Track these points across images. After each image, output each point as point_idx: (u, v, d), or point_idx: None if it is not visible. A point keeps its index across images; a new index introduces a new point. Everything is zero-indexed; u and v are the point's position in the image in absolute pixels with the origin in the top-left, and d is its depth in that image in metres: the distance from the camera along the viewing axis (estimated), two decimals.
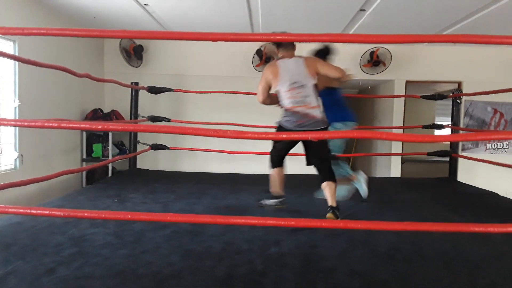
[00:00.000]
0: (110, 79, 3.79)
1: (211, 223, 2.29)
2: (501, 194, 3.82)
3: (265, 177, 4.16)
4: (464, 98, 5.41)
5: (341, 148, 3.37)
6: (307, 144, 2.84)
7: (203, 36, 1.76)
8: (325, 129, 2.76)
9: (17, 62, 3.79)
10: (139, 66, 5.73)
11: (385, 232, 2.35)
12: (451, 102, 4.84)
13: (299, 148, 2.89)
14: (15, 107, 3.85)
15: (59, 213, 1.77)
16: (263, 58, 5.58)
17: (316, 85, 2.76)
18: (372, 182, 3.39)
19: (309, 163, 2.91)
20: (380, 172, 6.54)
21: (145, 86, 4.47)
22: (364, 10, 4.29)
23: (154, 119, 4.50)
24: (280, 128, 2.81)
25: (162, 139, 5.05)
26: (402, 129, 5.75)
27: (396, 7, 4.15)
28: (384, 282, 1.78)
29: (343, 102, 3.36)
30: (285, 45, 2.81)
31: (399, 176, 5.96)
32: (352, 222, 1.86)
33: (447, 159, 4.90)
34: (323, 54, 3.20)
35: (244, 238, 2.24)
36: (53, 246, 2.07)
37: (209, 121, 4.62)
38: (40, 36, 3.86)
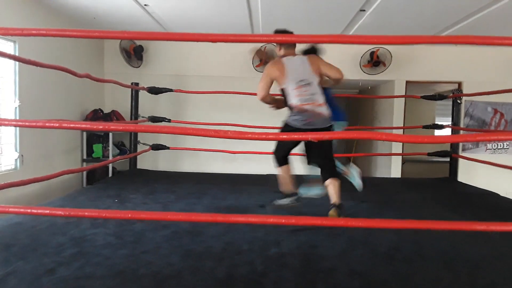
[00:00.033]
0: (110, 80, 3.79)
1: (211, 221, 2.29)
2: (501, 194, 3.82)
3: (265, 177, 4.17)
4: (464, 98, 5.41)
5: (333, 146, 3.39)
6: (311, 143, 2.80)
7: (203, 37, 1.76)
8: (331, 126, 2.74)
9: (17, 63, 3.80)
10: (139, 66, 5.73)
11: (385, 232, 2.35)
12: (451, 102, 4.83)
13: (298, 148, 2.88)
14: (16, 107, 3.85)
15: (60, 212, 1.77)
16: (263, 59, 5.58)
17: (320, 83, 2.74)
18: (372, 182, 3.39)
19: (309, 162, 2.91)
20: (380, 172, 6.55)
21: (145, 87, 4.48)
22: (364, 10, 4.29)
23: (154, 119, 4.51)
24: (287, 127, 2.74)
25: (162, 139, 5.06)
26: (402, 129, 5.75)
27: (396, 7, 4.15)
28: (384, 282, 1.78)
29: (334, 101, 3.34)
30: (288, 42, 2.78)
31: (400, 176, 5.96)
32: (353, 220, 1.86)
33: (448, 159, 4.90)
34: (310, 54, 3.17)
35: (244, 239, 2.24)
36: (54, 246, 2.07)
37: (209, 122, 4.62)
38: (40, 37, 3.86)
